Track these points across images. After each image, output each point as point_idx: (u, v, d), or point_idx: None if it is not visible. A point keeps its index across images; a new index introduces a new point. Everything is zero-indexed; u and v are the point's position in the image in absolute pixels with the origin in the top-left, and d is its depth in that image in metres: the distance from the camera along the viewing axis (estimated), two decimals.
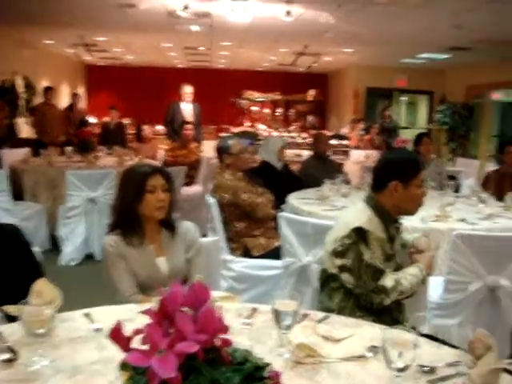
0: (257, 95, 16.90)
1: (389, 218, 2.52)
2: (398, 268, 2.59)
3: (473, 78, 13.79)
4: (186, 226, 2.80)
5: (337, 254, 2.44)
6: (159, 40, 11.80)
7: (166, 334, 1.14)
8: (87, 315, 2.12)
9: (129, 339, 1.17)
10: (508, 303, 3.33)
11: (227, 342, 1.23)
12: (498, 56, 11.62)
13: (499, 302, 3.36)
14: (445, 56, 12.10)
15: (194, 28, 9.54)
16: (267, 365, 1.26)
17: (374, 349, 1.86)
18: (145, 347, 1.15)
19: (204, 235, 4.53)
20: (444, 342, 2.62)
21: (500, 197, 4.94)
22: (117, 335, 1.16)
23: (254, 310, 2.22)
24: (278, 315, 1.80)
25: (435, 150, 13.35)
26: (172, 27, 9.51)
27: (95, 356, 1.79)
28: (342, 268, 2.43)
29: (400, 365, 1.55)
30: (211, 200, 4.18)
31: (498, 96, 14.24)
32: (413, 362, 1.58)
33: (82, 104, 15.18)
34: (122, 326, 1.20)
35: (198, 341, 1.09)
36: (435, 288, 3.40)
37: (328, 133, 12.63)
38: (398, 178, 2.46)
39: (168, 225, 2.73)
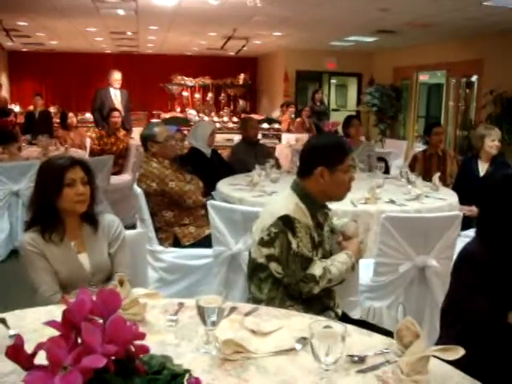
0: (187, 80, 16.65)
1: (316, 204, 2.48)
2: (328, 255, 2.56)
3: (400, 60, 14.03)
4: (109, 219, 2.68)
5: (264, 243, 2.38)
6: (84, 25, 11.41)
7: (73, 347, 1.04)
8: (2, 321, 1.97)
9: (31, 356, 1.07)
10: (436, 282, 3.38)
11: (143, 350, 1.15)
12: (423, 39, 11.85)
13: (428, 281, 3.42)
14: (372, 39, 12.23)
15: (120, 12, 9.27)
16: (186, 371, 1.18)
17: (303, 340, 1.82)
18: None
19: (133, 226, 4.43)
20: (375, 327, 2.63)
21: (427, 177, 5.02)
22: (15, 353, 1.05)
23: (181, 305, 2.14)
24: (202, 312, 1.72)
25: (365, 132, 13.56)
26: (97, 11, 9.21)
27: (9, 367, 1.65)
28: (270, 257, 2.38)
29: (329, 360, 1.51)
30: (138, 190, 4.06)
31: (424, 78, 14.56)
32: (341, 355, 1.54)
33: (4, 92, 14.56)
34: (22, 342, 1.09)
35: (106, 353, 1.00)
36: (366, 270, 3.41)
37: (259, 116, 12.59)
38: (323, 163, 2.41)
39: (89, 219, 2.61)
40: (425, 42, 12.29)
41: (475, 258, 2.17)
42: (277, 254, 2.35)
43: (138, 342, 1.15)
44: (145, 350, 1.16)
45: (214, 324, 1.74)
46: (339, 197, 2.56)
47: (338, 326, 1.57)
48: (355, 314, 2.92)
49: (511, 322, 2.09)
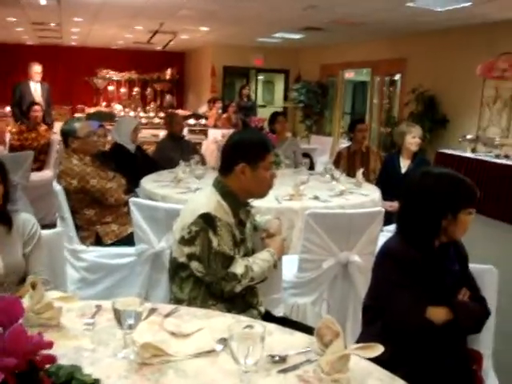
0: (112, 74, 16.31)
1: (238, 201, 2.44)
2: (250, 253, 2.54)
3: (327, 57, 14.22)
4: (24, 218, 2.56)
5: (185, 242, 2.33)
6: (4, 14, 10.97)
7: None
8: None
9: None
10: (359, 278, 3.42)
11: (49, 360, 1.08)
12: (350, 37, 12.04)
13: (351, 277, 3.46)
14: (299, 36, 12.33)
15: (42, 2, 8.96)
16: (96, 381, 1.12)
17: (224, 341, 1.78)
18: None
19: (55, 224, 4.27)
20: (298, 324, 2.63)
21: (351, 173, 5.10)
22: None
23: (99, 307, 2.06)
24: (119, 315, 1.66)
25: (291, 128, 13.67)
26: (17, 0, 8.87)
27: None
28: (191, 256, 2.33)
29: (249, 361, 1.48)
30: (57, 187, 3.92)
31: (350, 75, 14.82)
32: (261, 356, 1.51)
33: None
34: None
35: (5, 366, 0.93)
36: (290, 267, 3.41)
37: (186, 112, 12.47)
38: (245, 160, 2.38)
39: (3, 218, 2.49)
40: (351, 40, 12.50)
41: (395, 253, 2.20)
42: (198, 252, 2.31)
43: (44, 352, 1.09)
44: (51, 360, 1.09)
45: (131, 327, 1.68)
46: (261, 194, 2.54)
47: (258, 327, 1.54)
48: (279, 312, 2.91)
49: (430, 318, 2.13)
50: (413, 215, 2.24)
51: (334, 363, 1.57)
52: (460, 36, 10.10)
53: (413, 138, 4.95)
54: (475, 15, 8.82)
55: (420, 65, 11.09)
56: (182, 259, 2.37)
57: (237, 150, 2.44)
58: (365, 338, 2.19)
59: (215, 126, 10.80)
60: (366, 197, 4.29)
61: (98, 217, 4.07)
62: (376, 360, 1.70)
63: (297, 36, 12.39)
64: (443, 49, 10.48)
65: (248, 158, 2.38)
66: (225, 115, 11.30)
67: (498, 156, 8.76)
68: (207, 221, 2.29)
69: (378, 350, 1.59)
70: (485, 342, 2.47)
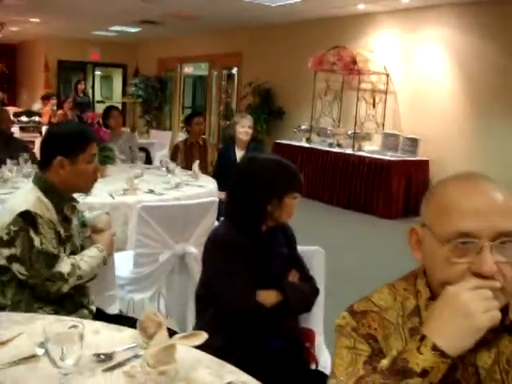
0: None
1: (61, 197, 2.31)
2: (78, 250, 2.42)
3: (165, 51, 14.13)
4: None
5: (4, 243, 2.16)
6: None
7: None
8: None
9: None
10: (196, 269, 3.39)
11: None
12: (187, 31, 12.04)
13: (189, 269, 3.44)
14: (136, 29, 12.14)
15: None
16: None
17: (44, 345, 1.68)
18: None
19: None
20: (133, 320, 2.56)
21: (189, 166, 5.09)
22: None
23: None
24: None
25: (131, 123, 13.45)
26: None
27: None
28: (12, 258, 2.16)
29: (68, 362, 1.40)
30: None
31: (189, 69, 14.85)
32: (81, 356, 1.43)
33: None
34: None
35: None
36: (126, 263, 3.33)
37: (17, 109, 11.82)
38: (62, 153, 2.25)
39: None
40: (189, 34, 12.52)
41: (223, 239, 2.21)
42: (18, 253, 2.15)
43: None
44: None
45: None
46: (84, 188, 2.44)
47: (81, 326, 1.46)
48: (114, 309, 2.82)
49: (261, 301, 2.16)
50: (239, 200, 2.26)
51: (159, 355, 1.53)
52: (294, 30, 10.50)
53: (242, 128, 5.04)
54: (305, 10, 9.20)
55: (256, 58, 11.37)
56: (2, 262, 2.20)
57: (53, 143, 2.30)
58: (200, 327, 2.17)
59: (50, 124, 10.33)
60: (203, 188, 4.31)
61: None
62: (210, 348, 1.70)
63: (133, 29, 12.19)
64: (278, 43, 10.84)
65: (65, 150, 2.26)
66: (60, 112, 10.88)
67: (331, 144, 9.23)
68: (27, 219, 2.15)
69: (202, 337, 1.57)
70: (316, 319, 2.56)
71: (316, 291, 2.38)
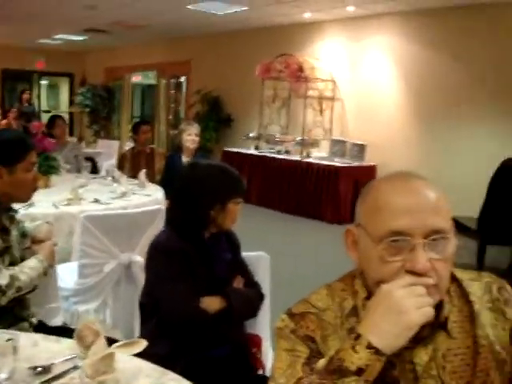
0: None
1: None
2: (18, 261, 2.35)
3: (112, 60, 13.99)
4: None
5: None
6: None
7: None
8: None
9: None
10: (142, 278, 3.36)
11: None
12: (135, 39, 11.95)
13: (135, 279, 3.39)
14: (82, 38, 11.98)
15: None
16: None
17: None
18: None
19: None
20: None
21: (137, 175, 5.03)
22: None
23: None
24: None
25: (78, 133, 13.25)
26: None
27: None
28: None
29: (2, 376, 1.36)
30: None
31: (137, 78, 14.73)
32: (14, 369, 1.39)
33: None
34: None
35: None
36: (70, 274, 3.27)
37: None
38: None
39: None
40: (137, 42, 12.44)
41: (164, 246, 2.19)
42: None
43: None
44: None
45: None
46: (23, 198, 2.38)
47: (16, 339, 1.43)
48: (57, 321, 2.75)
49: (205, 308, 2.15)
50: (182, 207, 2.25)
51: (97, 365, 1.50)
52: (241, 38, 10.55)
53: (189, 136, 5.02)
54: (252, 19, 9.26)
55: (204, 66, 11.37)
56: None
57: None
58: (143, 335, 2.15)
59: None
60: (149, 197, 4.28)
61: None
62: (155, 356, 1.68)
63: (79, 38, 12.03)
64: (226, 51, 10.86)
65: (3, 159, 2.20)
66: (4, 121, 10.64)
67: (279, 152, 9.29)
68: None
69: (142, 345, 1.55)
70: (262, 325, 2.57)
71: (261, 296, 2.38)
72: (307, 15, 8.91)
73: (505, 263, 5.77)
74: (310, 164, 8.54)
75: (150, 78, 14.41)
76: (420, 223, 1.11)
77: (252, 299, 2.33)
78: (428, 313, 1.07)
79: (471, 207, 5.71)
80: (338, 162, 8.36)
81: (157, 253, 2.21)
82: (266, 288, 2.48)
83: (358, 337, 1.07)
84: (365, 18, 8.68)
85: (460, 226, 5.78)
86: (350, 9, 8.31)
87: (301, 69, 8.83)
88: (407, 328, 1.05)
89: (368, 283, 1.21)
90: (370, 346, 1.05)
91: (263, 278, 2.51)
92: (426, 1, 7.42)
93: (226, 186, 2.24)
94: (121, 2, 8.09)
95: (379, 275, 1.15)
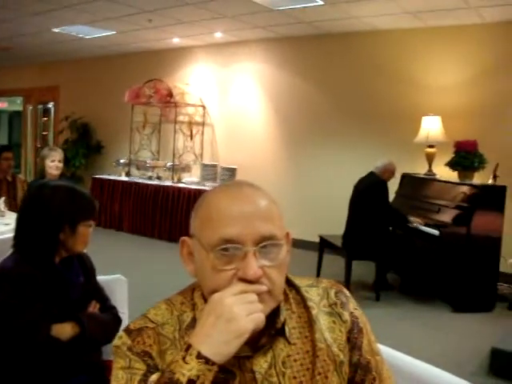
0: None
1: None
2: None
3: None
4: None
5: None
6: None
7: None
8: None
9: None
10: None
11: None
12: (1, 63, 11.45)
13: None
14: None
15: None
16: None
17: None
18: None
19: None
20: None
21: None
22: None
23: None
24: None
25: None
26: None
27: None
28: None
29: None
30: None
31: (3, 105, 14.10)
32: None
33: None
34: None
35: None
36: None
37: None
38: None
39: None
40: (2, 66, 11.90)
41: (9, 273, 2.07)
42: None
43: None
44: None
45: None
46: None
47: None
48: None
49: (56, 335, 2.05)
50: (28, 230, 2.14)
51: None
52: (111, 63, 10.42)
53: (52, 162, 4.85)
54: (121, 43, 9.20)
55: (73, 92, 11.10)
56: None
57: None
58: None
59: None
60: (9, 226, 4.06)
61: None
62: None
63: None
64: (96, 76, 10.68)
65: None
66: None
67: (150, 177, 9.22)
68: None
69: None
70: None
71: (118, 321, 2.32)
72: (176, 40, 8.97)
73: (371, 277, 6.05)
74: (181, 189, 8.54)
75: (17, 104, 13.83)
76: (250, 230, 1.11)
77: (107, 324, 2.26)
78: (258, 319, 1.06)
79: (338, 226, 5.97)
80: (208, 186, 8.40)
81: (1, 281, 2.08)
82: (123, 312, 2.42)
83: (189, 347, 1.06)
84: (233, 44, 8.88)
85: (329, 245, 6.07)
86: (218, 35, 8.47)
87: (170, 94, 8.85)
88: (237, 335, 1.04)
89: (205, 294, 1.21)
90: (199, 356, 1.03)
91: (121, 300, 2.46)
92: (290, 28, 7.71)
93: (75, 208, 2.16)
94: None
95: (213, 285, 1.14)
